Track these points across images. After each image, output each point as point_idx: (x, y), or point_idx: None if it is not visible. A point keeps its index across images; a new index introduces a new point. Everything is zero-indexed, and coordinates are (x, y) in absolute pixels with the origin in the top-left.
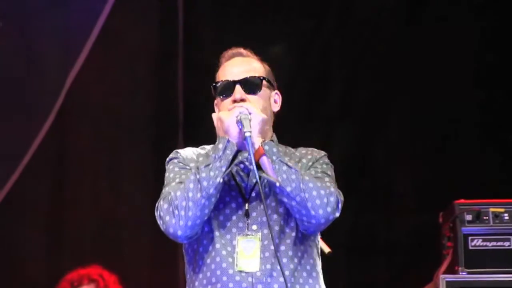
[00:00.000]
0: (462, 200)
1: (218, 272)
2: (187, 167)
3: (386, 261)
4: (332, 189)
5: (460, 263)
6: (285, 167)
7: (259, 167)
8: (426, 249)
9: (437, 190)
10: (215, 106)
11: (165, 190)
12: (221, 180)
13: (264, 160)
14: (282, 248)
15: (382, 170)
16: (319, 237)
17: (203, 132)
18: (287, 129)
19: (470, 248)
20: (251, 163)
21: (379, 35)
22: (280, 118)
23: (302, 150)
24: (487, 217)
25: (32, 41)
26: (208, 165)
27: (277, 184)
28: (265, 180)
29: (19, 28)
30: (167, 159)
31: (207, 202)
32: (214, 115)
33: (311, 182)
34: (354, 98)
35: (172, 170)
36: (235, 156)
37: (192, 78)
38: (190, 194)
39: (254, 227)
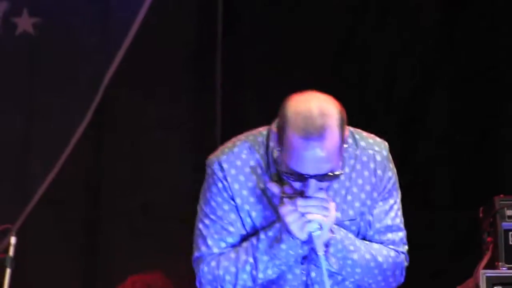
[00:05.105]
0: (502, 195)
1: None
2: (225, 208)
3: (426, 256)
4: (398, 260)
5: (500, 258)
6: (349, 262)
7: None
8: (467, 244)
9: (478, 185)
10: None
11: (201, 244)
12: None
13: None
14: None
15: (422, 166)
16: None
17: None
18: None
19: (511, 243)
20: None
21: (419, 30)
22: None
23: (364, 156)
24: None
25: (71, 37)
26: (267, 262)
27: (339, 278)
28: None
29: (58, 24)
30: (207, 171)
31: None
32: (284, 210)
33: (377, 267)
34: (393, 93)
35: (205, 214)
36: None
37: (230, 74)
38: (241, 282)
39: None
